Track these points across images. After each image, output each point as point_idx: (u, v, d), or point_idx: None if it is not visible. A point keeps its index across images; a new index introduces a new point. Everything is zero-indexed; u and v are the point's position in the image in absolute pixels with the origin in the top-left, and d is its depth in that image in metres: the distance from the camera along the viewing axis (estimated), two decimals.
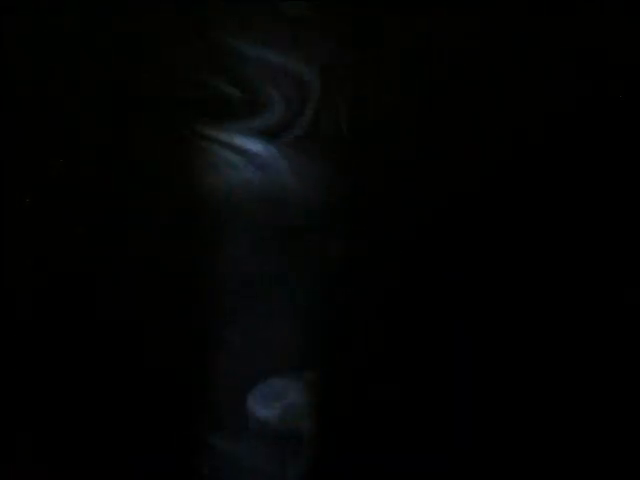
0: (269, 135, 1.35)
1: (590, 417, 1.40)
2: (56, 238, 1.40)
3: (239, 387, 1.36)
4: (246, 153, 1.37)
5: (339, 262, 1.37)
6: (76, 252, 1.40)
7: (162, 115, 1.38)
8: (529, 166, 1.40)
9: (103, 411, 1.40)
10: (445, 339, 1.40)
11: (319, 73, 1.35)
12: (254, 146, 1.36)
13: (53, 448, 1.41)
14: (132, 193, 1.40)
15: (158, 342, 1.39)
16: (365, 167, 1.39)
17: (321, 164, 1.37)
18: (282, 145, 1.36)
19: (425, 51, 1.37)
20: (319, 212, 1.38)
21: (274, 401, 1.37)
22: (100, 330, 1.39)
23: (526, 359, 1.41)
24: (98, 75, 1.38)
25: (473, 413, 1.40)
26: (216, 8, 1.34)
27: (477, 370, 1.41)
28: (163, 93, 1.37)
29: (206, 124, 1.36)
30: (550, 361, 1.40)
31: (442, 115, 1.38)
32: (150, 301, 1.39)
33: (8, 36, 1.39)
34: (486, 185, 1.39)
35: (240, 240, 1.37)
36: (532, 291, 1.41)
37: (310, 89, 1.35)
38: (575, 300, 1.41)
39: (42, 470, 1.40)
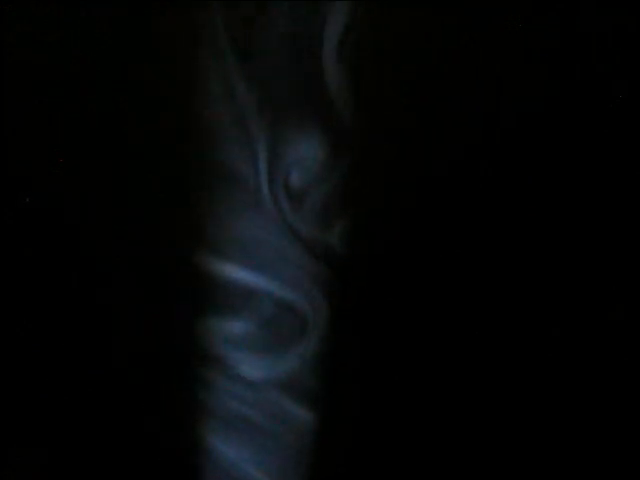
0: None
1: (589, 416, 1.40)
2: (54, 237, 1.41)
3: None
4: None
5: None
6: (74, 252, 1.41)
7: None
8: (524, 164, 1.40)
9: (101, 411, 1.41)
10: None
11: None
12: None
13: (53, 447, 1.42)
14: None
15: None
16: None
17: None
18: None
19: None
20: None
21: None
22: (99, 331, 1.41)
23: (524, 357, 1.41)
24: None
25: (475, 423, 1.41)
26: None
27: (477, 372, 1.42)
28: None
29: None
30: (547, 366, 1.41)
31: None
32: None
33: (8, 36, 1.39)
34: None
35: None
36: (528, 296, 1.41)
37: None
38: (570, 299, 1.41)
39: (42, 470, 1.41)
